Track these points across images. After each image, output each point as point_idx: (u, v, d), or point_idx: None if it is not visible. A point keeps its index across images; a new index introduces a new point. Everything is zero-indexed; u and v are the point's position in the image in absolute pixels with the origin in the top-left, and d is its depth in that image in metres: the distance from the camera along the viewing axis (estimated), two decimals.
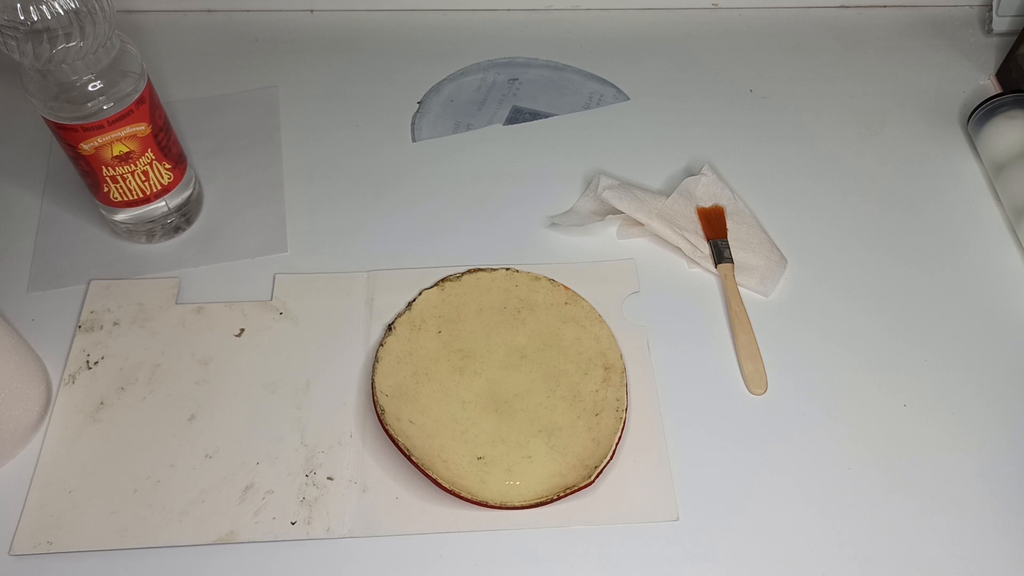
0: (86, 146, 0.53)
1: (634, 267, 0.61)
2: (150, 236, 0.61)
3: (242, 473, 0.51)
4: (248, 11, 0.77)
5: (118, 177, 0.56)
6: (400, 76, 0.73)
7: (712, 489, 0.51)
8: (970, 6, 0.79)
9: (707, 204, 0.63)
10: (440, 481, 0.49)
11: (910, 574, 0.48)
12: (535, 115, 0.71)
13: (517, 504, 0.49)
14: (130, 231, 0.60)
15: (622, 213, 0.61)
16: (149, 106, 0.54)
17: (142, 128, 0.54)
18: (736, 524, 0.50)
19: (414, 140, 0.69)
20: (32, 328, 0.57)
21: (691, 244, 0.60)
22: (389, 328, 0.56)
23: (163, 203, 0.59)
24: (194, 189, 0.62)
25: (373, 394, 0.53)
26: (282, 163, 0.67)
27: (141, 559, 0.48)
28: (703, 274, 0.61)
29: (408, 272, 0.60)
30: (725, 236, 0.61)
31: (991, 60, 0.75)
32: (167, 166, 0.58)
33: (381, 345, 0.55)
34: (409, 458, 0.49)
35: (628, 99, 0.72)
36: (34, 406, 0.52)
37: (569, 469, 0.50)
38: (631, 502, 0.50)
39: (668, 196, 0.62)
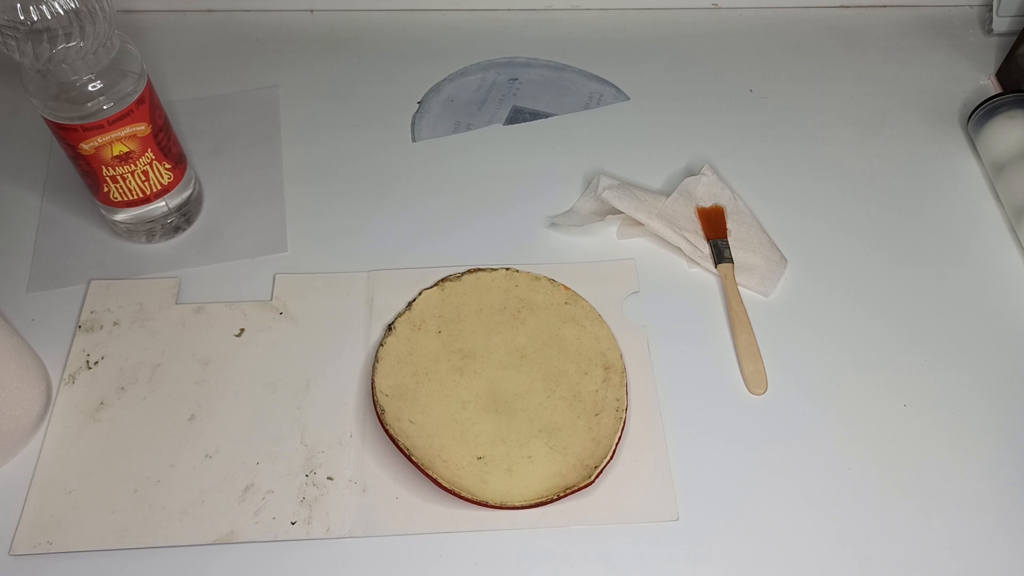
0: (86, 146, 0.53)
1: (634, 267, 0.61)
2: (150, 236, 0.61)
3: (242, 473, 0.51)
4: (248, 11, 0.77)
5: (118, 177, 0.56)
6: (400, 76, 0.73)
7: (712, 489, 0.51)
8: (970, 6, 0.79)
9: (707, 204, 0.63)
10: (440, 481, 0.49)
11: (910, 574, 0.48)
12: (535, 115, 0.71)
13: (517, 504, 0.49)
14: (130, 231, 0.60)
15: (622, 213, 0.61)
16: (149, 106, 0.54)
17: (142, 128, 0.54)
18: (736, 524, 0.50)
19: (414, 140, 0.69)
20: (32, 328, 0.57)
21: (691, 244, 0.60)
22: (389, 328, 0.56)
23: (163, 203, 0.59)
24: (194, 189, 0.62)
25: (373, 394, 0.53)
26: (282, 163, 0.67)
27: (141, 559, 0.48)
28: (703, 274, 0.61)
29: (408, 272, 0.60)
30: (725, 236, 0.61)
31: (991, 60, 0.75)
32: (167, 166, 0.58)
33: (381, 345, 0.55)
34: (409, 458, 0.49)
35: (628, 99, 0.72)
36: (34, 406, 0.52)
37: (569, 469, 0.50)
38: (631, 502, 0.50)
39: (668, 196, 0.62)
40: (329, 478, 0.51)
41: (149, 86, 0.54)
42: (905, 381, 0.56)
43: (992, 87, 0.73)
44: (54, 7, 0.46)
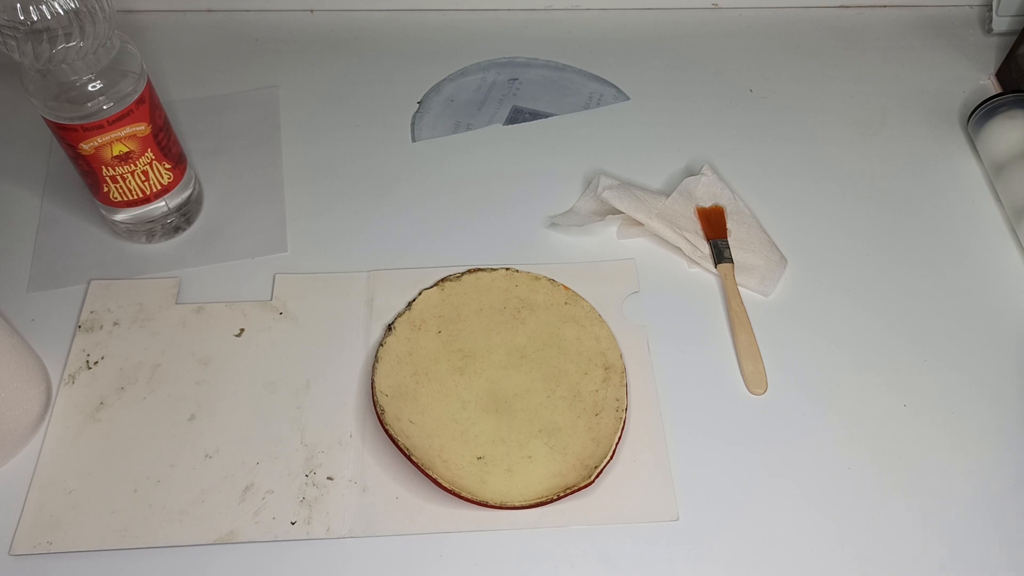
0: (86, 146, 0.53)
1: (634, 267, 0.61)
2: (150, 236, 0.61)
3: (242, 473, 0.51)
4: (248, 11, 0.77)
5: (118, 177, 0.56)
6: (400, 76, 0.73)
7: (712, 489, 0.51)
8: (970, 6, 0.79)
9: (707, 204, 0.63)
10: (440, 481, 0.49)
11: (910, 574, 0.48)
12: (535, 115, 0.71)
13: (517, 504, 0.49)
14: (130, 231, 0.60)
15: (622, 213, 0.61)
16: (149, 106, 0.54)
17: (142, 128, 0.54)
18: (736, 524, 0.50)
19: (414, 140, 0.69)
20: (32, 328, 0.57)
21: (691, 244, 0.60)
22: (389, 328, 0.56)
23: (163, 203, 0.59)
24: (194, 189, 0.62)
25: (373, 394, 0.53)
26: (282, 163, 0.67)
27: (141, 559, 0.48)
28: (703, 274, 0.61)
29: (408, 272, 0.60)
30: (725, 236, 0.61)
31: (991, 60, 0.75)
32: (167, 166, 0.58)
33: (381, 345, 0.55)
34: (409, 458, 0.49)
35: (628, 99, 0.72)
36: (34, 406, 0.52)
37: (569, 469, 0.50)
38: (631, 502, 0.50)
39: (668, 196, 0.62)
40: (329, 478, 0.51)
41: (149, 86, 0.54)
42: (905, 381, 0.56)
43: (992, 87, 0.73)
44: (54, 7, 0.46)
